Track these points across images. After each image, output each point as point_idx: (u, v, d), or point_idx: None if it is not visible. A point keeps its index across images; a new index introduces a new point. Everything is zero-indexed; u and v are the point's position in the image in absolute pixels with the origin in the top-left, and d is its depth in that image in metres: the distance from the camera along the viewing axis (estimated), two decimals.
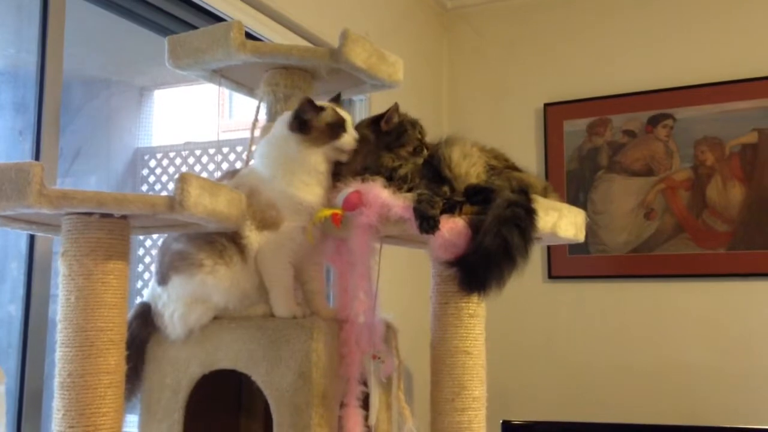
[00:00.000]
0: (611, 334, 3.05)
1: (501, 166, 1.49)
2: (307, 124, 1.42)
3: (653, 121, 3.08)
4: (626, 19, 3.19)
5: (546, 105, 3.25)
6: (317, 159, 1.43)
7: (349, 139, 1.44)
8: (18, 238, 1.76)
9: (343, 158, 1.45)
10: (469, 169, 1.44)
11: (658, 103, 3.07)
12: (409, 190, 1.40)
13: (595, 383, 3.03)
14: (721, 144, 2.97)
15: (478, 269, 1.32)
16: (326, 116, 1.44)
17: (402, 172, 1.43)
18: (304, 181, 1.43)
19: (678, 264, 2.97)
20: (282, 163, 1.43)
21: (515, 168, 1.52)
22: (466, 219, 1.35)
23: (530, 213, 1.35)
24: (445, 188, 1.39)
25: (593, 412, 2.92)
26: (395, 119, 1.49)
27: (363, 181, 1.38)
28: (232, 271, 1.40)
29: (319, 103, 1.45)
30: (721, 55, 3.01)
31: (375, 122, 1.50)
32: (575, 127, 3.20)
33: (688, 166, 3.01)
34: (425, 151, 1.48)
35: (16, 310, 1.74)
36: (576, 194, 3.15)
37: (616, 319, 3.05)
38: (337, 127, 1.43)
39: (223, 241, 1.40)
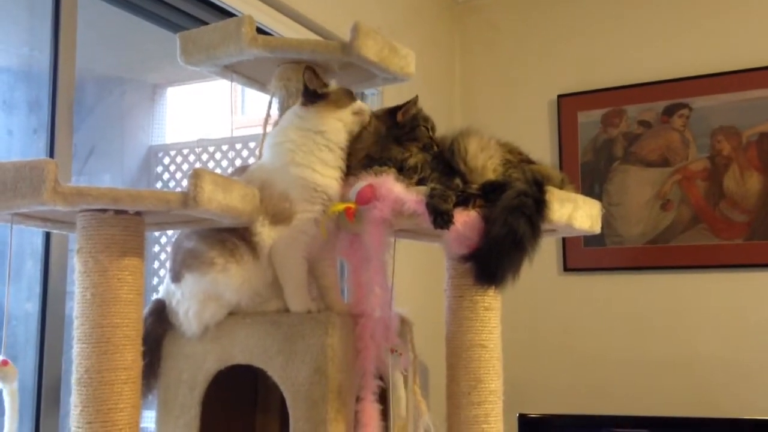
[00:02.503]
0: (627, 327, 3.03)
1: (516, 160, 1.48)
2: (321, 92, 1.45)
3: (669, 111, 3.05)
4: (640, 8, 3.16)
5: (559, 96, 3.23)
6: (338, 126, 1.45)
7: (361, 104, 1.49)
8: (34, 235, 1.77)
9: (356, 128, 1.47)
10: (486, 161, 1.43)
11: (674, 92, 3.03)
12: (420, 180, 1.40)
13: (611, 376, 3.02)
14: (738, 133, 2.94)
15: (490, 260, 1.31)
16: (334, 86, 1.49)
17: (412, 162, 1.43)
18: (322, 159, 1.42)
19: (695, 255, 2.95)
20: (298, 145, 1.43)
21: (530, 161, 1.51)
22: (479, 212, 1.35)
23: (538, 202, 1.34)
24: (457, 181, 1.39)
25: (610, 404, 2.91)
26: (412, 112, 1.49)
27: (375, 174, 1.38)
28: (243, 269, 1.39)
29: None
30: (738, 44, 2.97)
31: (389, 113, 1.50)
32: (589, 118, 3.18)
33: (705, 156, 2.98)
34: (435, 148, 1.48)
35: (33, 307, 1.76)
36: (591, 186, 3.13)
37: (633, 312, 3.03)
38: (348, 92, 1.49)
39: (234, 239, 1.40)
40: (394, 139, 1.46)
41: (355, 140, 1.47)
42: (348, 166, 1.46)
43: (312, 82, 1.45)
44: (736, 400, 2.79)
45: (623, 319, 3.04)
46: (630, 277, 3.07)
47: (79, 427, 1.22)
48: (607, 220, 3.04)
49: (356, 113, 1.48)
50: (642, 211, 3.05)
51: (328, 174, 1.43)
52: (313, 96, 1.45)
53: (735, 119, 2.93)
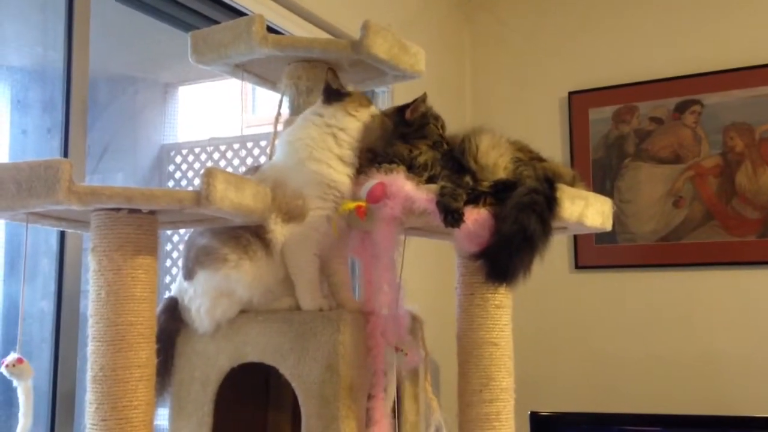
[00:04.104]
0: (639, 324, 3.02)
1: (527, 158, 1.48)
2: (343, 91, 1.47)
3: (680, 108, 3.04)
4: (651, 4, 3.14)
5: (570, 93, 3.22)
6: (357, 125, 1.47)
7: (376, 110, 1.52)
8: (49, 234, 1.78)
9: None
10: (497, 159, 1.43)
11: (686, 89, 3.02)
12: (430, 178, 1.40)
13: (623, 373, 3.01)
14: (751, 129, 2.92)
15: (501, 257, 1.31)
16: (350, 88, 1.51)
17: (421, 159, 1.43)
18: (339, 156, 1.44)
19: (707, 252, 2.93)
20: (316, 141, 1.44)
21: (541, 159, 1.51)
22: (490, 210, 1.35)
23: (549, 200, 1.34)
24: (467, 179, 1.39)
25: (622, 402, 2.90)
26: (421, 109, 1.49)
27: (385, 172, 1.39)
28: (256, 265, 1.40)
29: None
30: (750, 39, 2.95)
31: (399, 111, 1.50)
32: (601, 115, 3.17)
33: (717, 153, 2.97)
34: (445, 146, 1.48)
35: (48, 305, 1.77)
36: (602, 183, 3.12)
37: (645, 309, 3.02)
38: (367, 97, 1.51)
39: (248, 236, 1.41)
40: (401, 136, 1.47)
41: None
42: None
43: (335, 82, 1.48)
44: (750, 397, 2.78)
45: (635, 316, 3.03)
46: (642, 275, 3.06)
47: (93, 425, 1.23)
48: (618, 218, 3.03)
49: (373, 115, 1.50)
50: (654, 208, 3.04)
51: (342, 171, 1.44)
52: (336, 94, 1.47)
53: (747, 115, 2.92)
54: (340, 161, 1.44)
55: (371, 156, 1.46)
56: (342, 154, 1.45)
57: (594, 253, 3.12)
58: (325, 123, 1.46)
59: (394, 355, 1.36)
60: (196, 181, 1.23)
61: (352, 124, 1.47)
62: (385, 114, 1.53)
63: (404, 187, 1.35)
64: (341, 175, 1.43)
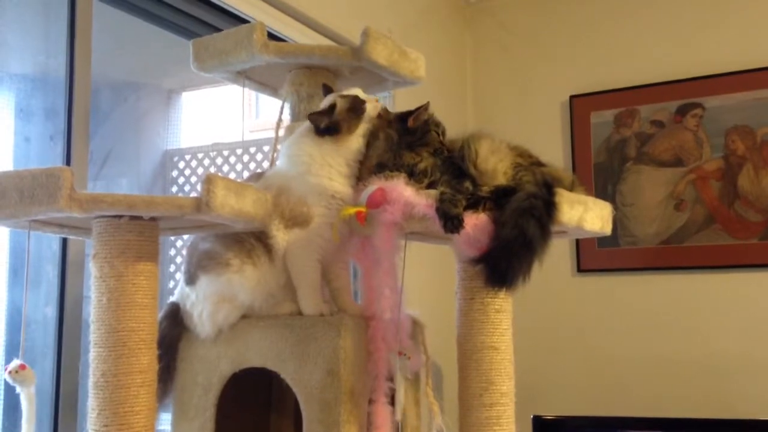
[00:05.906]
0: (642, 328, 3.02)
1: (526, 163, 1.48)
2: (331, 125, 1.45)
3: (682, 111, 3.04)
4: (652, 8, 3.14)
5: (572, 97, 3.22)
6: (355, 145, 1.47)
7: (371, 105, 1.49)
8: (52, 241, 1.79)
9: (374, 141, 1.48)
10: (496, 164, 1.44)
11: (687, 92, 3.02)
12: (430, 184, 1.41)
13: (626, 377, 3.00)
14: (752, 132, 2.92)
15: (500, 262, 1.32)
16: (341, 107, 1.47)
17: (422, 166, 1.44)
18: (340, 171, 1.45)
19: (710, 255, 2.93)
20: (314, 158, 1.45)
21: (541, 164, 1.51)
22: (489, 214, 1.35)
23: (548, 204, 1.35)
24: (467, 184, 1.39)
25: (625, 405, 2.90)
26: (424, 117, 1.49)
27: (386, 178, 1.39)
28: (258, 270, 1.41)
29: (322, 106, 1.50)
30: (751, 42, 2.95)
31: (400, 119, 1.50)
32: (602, 118, 3.17)
33: (719, 156, 2.96)
34: (445, 153, 1.48)
35: (52, 311, 1.78)
36: (604, 186, 3.12)
37: (647, 312, 3.02)
38: (357, 105, 1.48)
39: (252, 240, 1.42)
40: (407, 145, 1.47)
41: (366, 148, 1.48)
42: (360, 172, 1.48)
43: (322, 122, 1.46)
44: (753, 400, 2.77)
45: (638, 320, 3.03)
46: (644, 278, 3.06)
47: (96, 430, 1.23)
48: (620, 221, 3.04)
49: (369, 121, 1.49)
50: (656, 211, 3.04)
51: (343, 182, 1.45)
52: (325, 131, 1.46)
53: (749, 118, 2.91)
54: (339, 174, 1.45)
55: (378, 169, 1.45)
56: (341, 170, 1.46)
57: (596, 256, 3.12)
58: (321, 144, 1.46)
59: (397, 360, 1.36)
60: (200, 187, 1.23)
61: (348, 148, 1.46)
62: (387, 122, 1.52)
63: (404, 192, 1.35)
64: (343, 186, 1.44)
